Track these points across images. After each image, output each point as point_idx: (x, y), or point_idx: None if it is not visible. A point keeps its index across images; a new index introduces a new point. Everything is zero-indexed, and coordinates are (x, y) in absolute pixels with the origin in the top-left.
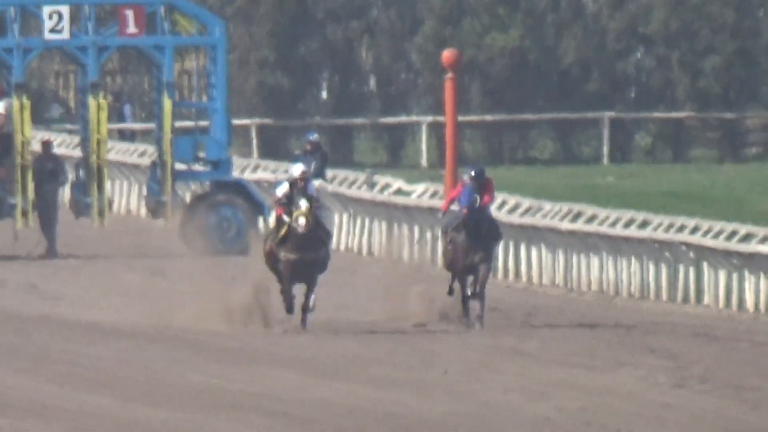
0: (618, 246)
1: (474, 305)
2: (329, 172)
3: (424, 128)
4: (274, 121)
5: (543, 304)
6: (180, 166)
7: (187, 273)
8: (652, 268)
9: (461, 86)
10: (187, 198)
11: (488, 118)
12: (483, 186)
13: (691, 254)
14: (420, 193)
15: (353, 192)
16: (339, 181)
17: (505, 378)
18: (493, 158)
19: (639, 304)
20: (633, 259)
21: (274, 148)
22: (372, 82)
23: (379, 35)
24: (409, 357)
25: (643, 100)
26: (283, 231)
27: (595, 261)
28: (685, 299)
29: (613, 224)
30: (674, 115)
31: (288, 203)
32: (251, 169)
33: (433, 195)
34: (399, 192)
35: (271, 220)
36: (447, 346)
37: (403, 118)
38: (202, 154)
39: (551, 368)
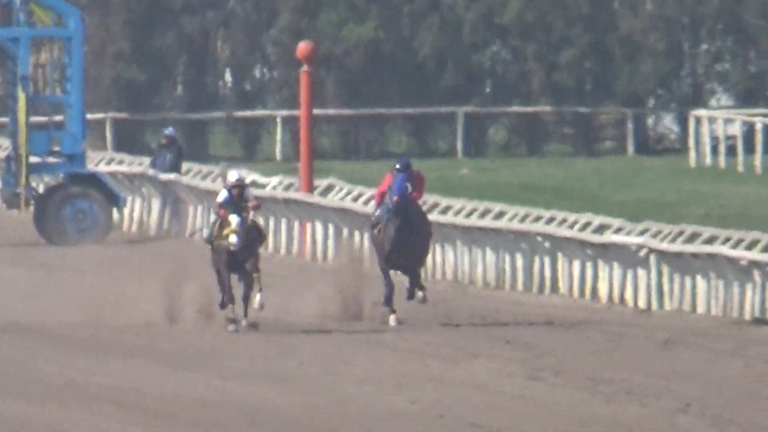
0: (473, 236)
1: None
2: (184, 166)
3: (279, 122)
4: (130, 114)
5: (398, 294)
6: (34, 159)
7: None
8: (507, 258)
9: (317, 79)
10: (42, 190)
11: (344, 111)
12: (413, 178)
13: (547, 244)
14: (275, 184)
15: (208, 184)
16: (194, 174)
17: (359, 370)
18: (348, 152)
19: (494, 294)
20: (488, 250)
21: (129, 142)
22: (228, 75)
23: (235, 28)
24: (265, 349)
25: (498, 93)
26: (218, 230)
27: (449, 251)
28: (541, 289)
29: (469, 215)
30: (529, 109)
31: (228, 207)
32: (105, 162)
33: (288, 187)
34: (254, 184)
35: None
36: (303, 338)
37: (258, 112)
38: (57, 148)
39: (406, 360)
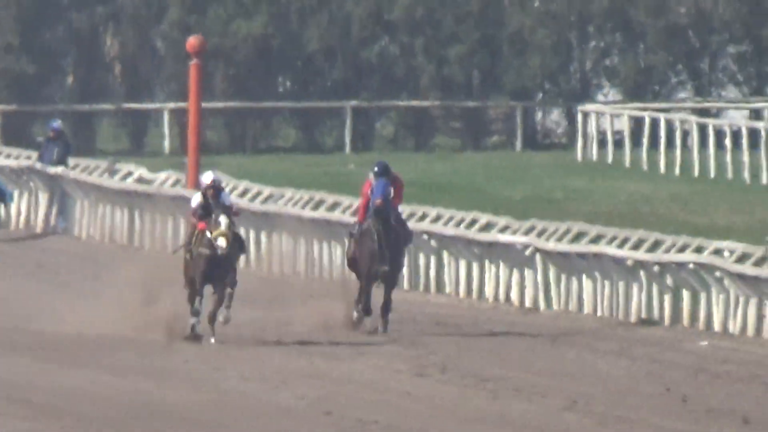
0: None
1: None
2: (71, 160)
3: (166, 115)
4: (18, 107)
5: (284, 292)
6: None
7: None
8: None
9: (206, 74)
10: None
11: (232, 105)
12: (394, 182)
13: (433, 243)
14: (162, 180)
15: (95, 179)
16: (81, 168)
17: (244, 367)
18: (235, 146)
19: (379, 292)
20: None
21: (18, 135)
22: (117, 68)
23: (124, 22)
24: (151, 345)
25: (386, 88)
26: (195, 238)
27: (337, 248)
28: (427, 288)
29: (355, 213)
30: (417, 103)
31: (205, 214)
32: None
33: (175, 183)
34: (141, 180)
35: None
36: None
37: (146, 105)
38: None
39: (291, 357)
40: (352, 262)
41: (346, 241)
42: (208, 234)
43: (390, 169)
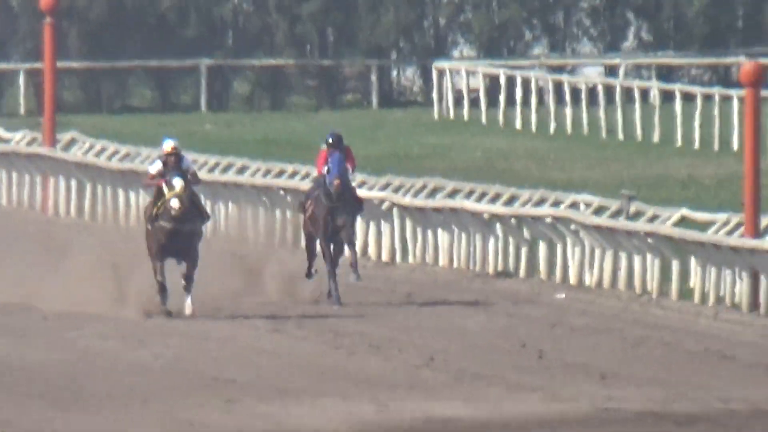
0: (215, 191)
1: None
2: None
3: (21, 75)
4: None
5: (142, 247)
6: None
7: None
8: (250, 213)
9: (60, 33)
10: None
11: (86, 64)
12: (345, 152)
13: (289, 199)
14: (18, 139)
15: None
16: None
17: (103, 325)
18: (91, 106)
19: (237, 247)
20: (231, 204)
21: None
22: None
23: None
24: (7, 305)
25: (241, 46)
26: (157, 207)
27: None
28: (282, 243)
29: (212, 170)
30: (272, 62)
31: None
32: None
33: (32, 142)
34: None
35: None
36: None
37: (1, 66)
38: None
39: (150, 315)
40: (309, 225)
41: (300, 214)
42: (166, 202)
43: (342, 139)
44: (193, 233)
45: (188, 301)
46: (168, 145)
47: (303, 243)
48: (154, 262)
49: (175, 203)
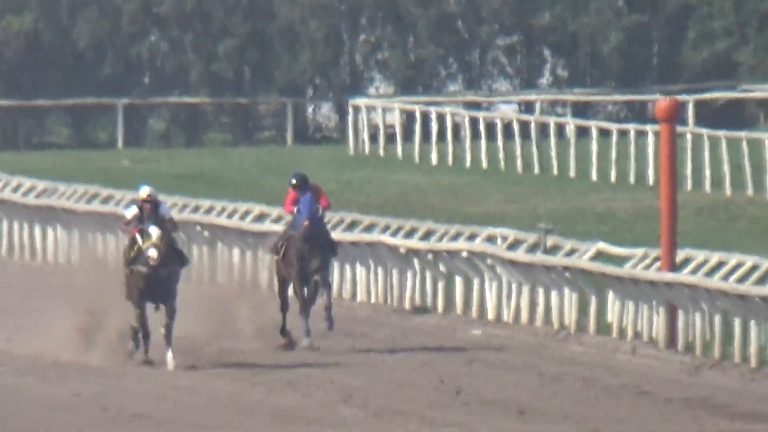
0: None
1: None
2: None
3: None
4: None
5: (56, 282)
6: None
7: None
8: None
9: None
10: None
11: (3, 103)
12: (315, 192)
13: (206, 233)
14: None
15: None
16: None
17: (22, 361)
18: (8, 143)
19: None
20: None
21: None
22: None
23: None
24: None
25: (157, 84)
26: (134, 251)
27: (111, 240)
28: (200, 279)
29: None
30: (188, 100)
31: (139, 224)
32: None
33: None
34: None
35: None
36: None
37: None
38: None
39: (69, 352)
40: (283, 269)
41: (272, 257)
42: (142, 246)
43: (308, 180)
44: (171, 277)
45: (169, 354)
46: (144, 191)
47: (276, 288)
48: (135, 308)
49: (152, 253)
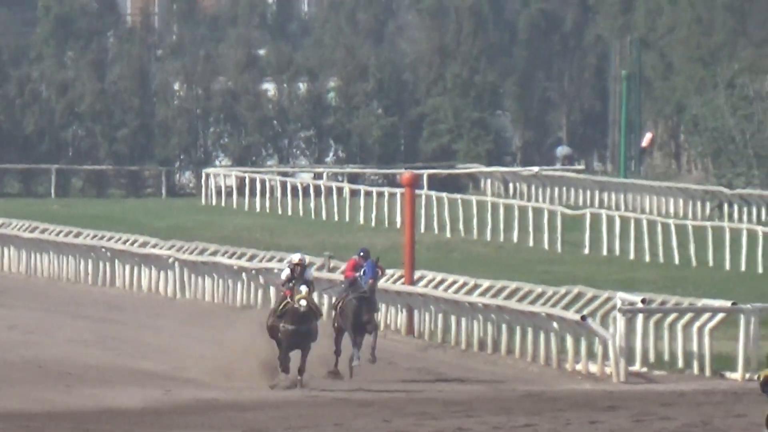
0: (59, 247)
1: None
2: None
3: None
4: None
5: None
6: None
7: None
8: (82, 265)
9: None
10: None
11: None
12: (374, 262)
13: (108, 254)
14: None
15: None
16: None
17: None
18: None
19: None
20: (62, 256)
21: None
22: None
23: None
24: None
25: (77, 157)
26: (281, 306)
27: (45, 257)
28: (97, 280)
29: (57, 234)
30: (97, 167)
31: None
32: None
33: None
34: None
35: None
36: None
37: None
38: None
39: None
40: (340, 320)
41: (333, 312)
42: (293, 304)
43: (370, 253)
44: (310, 332)
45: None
46: (296, 257)
47: (334, 337)
48: (280, 355)
49: (303, 302)
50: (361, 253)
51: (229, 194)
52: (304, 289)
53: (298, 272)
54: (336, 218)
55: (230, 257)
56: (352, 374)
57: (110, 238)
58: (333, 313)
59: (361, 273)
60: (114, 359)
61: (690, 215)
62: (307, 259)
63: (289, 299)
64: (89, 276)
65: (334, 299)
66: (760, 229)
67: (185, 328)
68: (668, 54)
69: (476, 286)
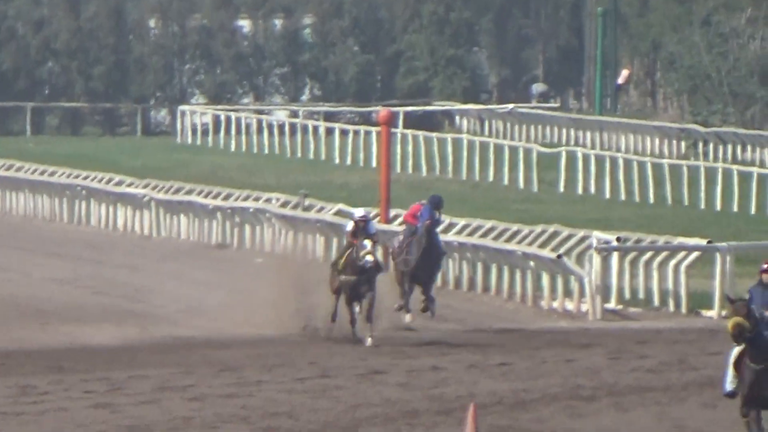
0: (34, 186)
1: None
2: None
3: None
4: None
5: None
6: None
7: None
8: (58, 203)
9: None
10: None
11: None
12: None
13: (84, 192)
14: None
15: None
16: None
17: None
18: None
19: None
20: (44, 196)
21: None
22: None
23: None
24: None
25: (53, 94)
26: (343, 260)
27: (20, 195)
28: (78, 221)
29: (33, 172)
30: (73, 104)
31: (354, 237)
32: None
33: None
34: None
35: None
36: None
37: None
38: None
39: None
40: (402, 265)
41: (390, 250)
42: (354, 255)
43: (441, 204)
44: (371, 280)
45: (369, 339)
46: (359, 212)
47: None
48: (335, 300)
49: (369, 258)
50: (430, 200)
51: (204, 132)
52: (368, 244)
53: (361, 228)
54: (311, 157)
55: (205, 196)
56: (433, 314)
57: (86, 177)
58: (392, 260)
59: (419, 215)
60: (90, 298)
61: (666, 154)
62: (372, 213)
63: (353, 251)
64: (65, 214)
65: (397, 243)
66: (735, 168)
67: (161, 266)
68: None
69: (452, 225)
